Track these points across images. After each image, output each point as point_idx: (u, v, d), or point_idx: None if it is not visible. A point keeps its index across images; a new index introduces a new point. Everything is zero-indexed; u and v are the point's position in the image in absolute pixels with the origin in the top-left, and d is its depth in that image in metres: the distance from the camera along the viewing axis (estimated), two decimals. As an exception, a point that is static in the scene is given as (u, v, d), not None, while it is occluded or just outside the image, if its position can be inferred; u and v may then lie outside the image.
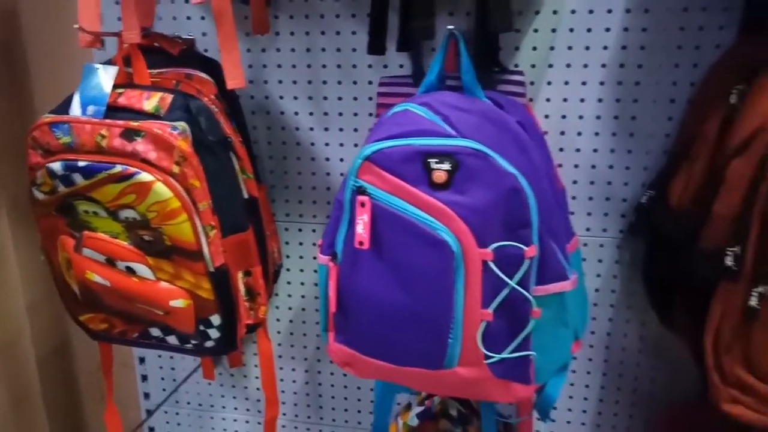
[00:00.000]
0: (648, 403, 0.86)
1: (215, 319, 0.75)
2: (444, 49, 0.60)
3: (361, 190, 0.58)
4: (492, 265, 0.57)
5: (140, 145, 0.66)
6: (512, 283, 0.57)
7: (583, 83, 0.76)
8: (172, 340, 0.79)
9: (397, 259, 0.59)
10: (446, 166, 0.55)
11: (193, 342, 0.78)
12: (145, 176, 0.67)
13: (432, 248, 0.57)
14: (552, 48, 0.76)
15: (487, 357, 0.60)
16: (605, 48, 0.75)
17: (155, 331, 0.79)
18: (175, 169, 0.67)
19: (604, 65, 0.75)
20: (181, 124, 0.68)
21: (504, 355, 0.60)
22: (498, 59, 0.73)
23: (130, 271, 0.73)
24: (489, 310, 0.58)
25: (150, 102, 0.69)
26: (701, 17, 0.72)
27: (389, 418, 0.78)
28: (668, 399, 0.84)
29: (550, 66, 0.77)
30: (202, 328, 0.76)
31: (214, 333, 0.76)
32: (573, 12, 0.74)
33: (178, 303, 0.74)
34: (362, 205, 0.58)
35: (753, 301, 0.54)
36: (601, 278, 0.83)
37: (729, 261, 0.55)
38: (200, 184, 0.68)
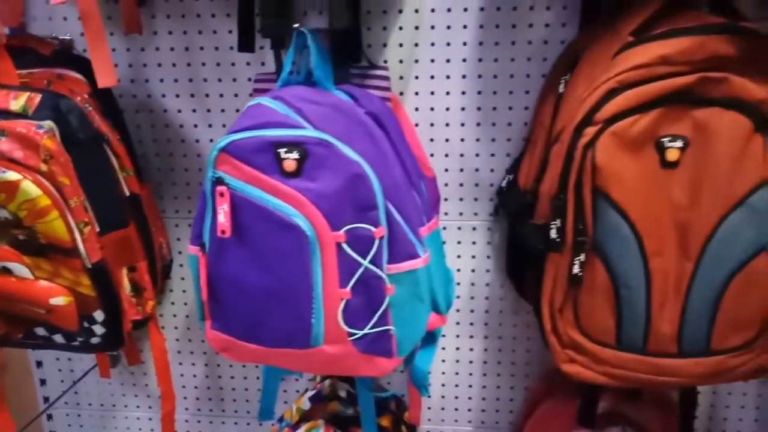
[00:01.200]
0: (526, 373, 0.92)
1: (98, 315, 0.76)
2: (295, 47, 0.64)
3: (219, 181, 0.61)
4: (345, 247, 0.61)
5: (5, 145, 0.67)
6: (365, 262, 0.62)
7: (447, 77, 0.82)
8: (58, 338, 0.79)
9: (258, 245, 0.62)
10: (295, 155, 0.59)
11: (79, 339, 0.79)
12: (12, 175, 0.67)
13: (288, 233, 0.61)
14: (416, 44, 0.81)
15: (350, 334, 0.64)
16: (464, 44, 0.80)
17: (41, 331, 0.79)
18: (43, 167, 0.68)
19: (464, 60, 0.81)
20: (48, 123, 0.68)
21: (365, 331, 0.64)
22: (361, 55, 0.77)
23: (7, 271, 0.73)
24: (347, 289, 0.62)
25: (17, 102, 0.70)
26: (547, 15, 0.78)
27: (275, 401, 0.81)
28: (542, 366, 0.91)
29: (416, 61, 0.82)
30: (86, 324, 0.77)
31: (98, 329, 0.77)
32: (433, 11, 0.79)
33: (59, 301, 0.75)
34: (221, 195, 0.61)
35: (576, 269, 0.61)
36: (476, 259, 0.88)
37: (553, 234, 0.61)
38: (70, 181, 0.69)
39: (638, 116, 0.57)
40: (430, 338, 0.75)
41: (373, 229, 0.61)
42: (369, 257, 0.61)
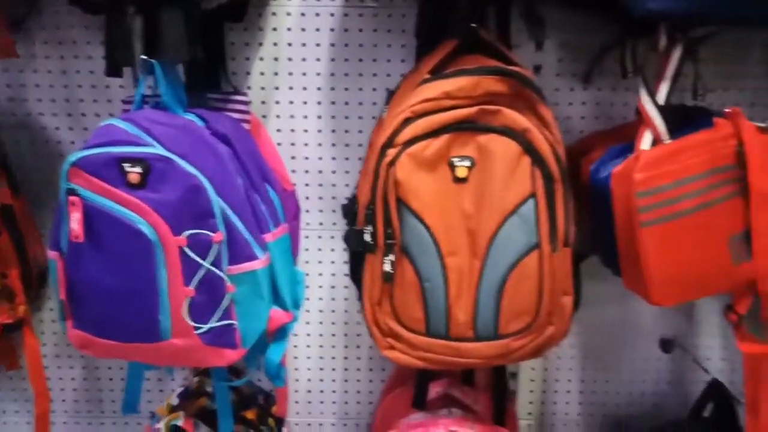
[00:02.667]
0: (382, 366, 1.03)
1: (-34, 318, 0.81)
2: (144, 75, 0.73)
3: (71, 192, 0.68)
4: (187, 250, 0.70)
5: None
6: (206, 264, 0.70)
7: (305, 102, 0.93)
8: (-73, 342, 0.83)
9: (109, 249, 0.70)
10: (138, 169, 0.67)
11: (-52, 342, 0.83)
12: None
13: (134, 238, 0.69)
14: (276, 73, 0.91)
15: (196, 328, 0.73)
16: (318, 74, 0.91)
17: None
18: None
19: (319, 88, 0.92)
20: None
21: (210, 325, 0.73)
22: (221, 82, 0.87)
23: None
24: (190, 287, 0.71)
25: None
26: (388, 52, 0.91)
27: (139, 395, 0.87)
28: (397, 362, 1.02)
29: (277, 88, 0.92)
30: (-46, 327, 0.81)
31: (-33, 332, 0.82)
32: (289, 44, 0.90)
33: (-74, 305, 0.79)
34: (74, 204, 0.69)
35: (387, 267, 0.72)
36: (335, 265, 0.99)
37: (367, 237, 0.72)
38: (-66, 192, 0.75)
39: (431, 140, 0.69)
40: (281, 333, 0.84)
41: (211, 234, 0.70)
42: (209, 259, 0.70)
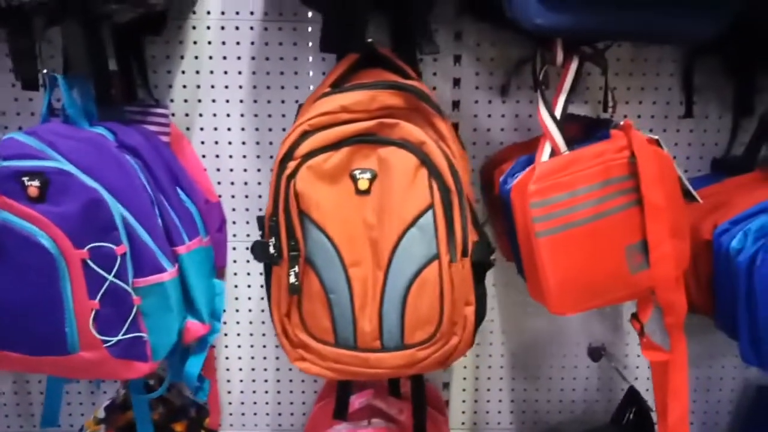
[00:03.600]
0: (314, 377, 1.03)
1: None
2: (50, 90, 0.74)
3: (-28, 205, 0.69)
4: (90, 263, 0.70)
5: None
6: (110, 276, 0.71)
7: (228, 115, 0.93)
8: None
9: (13, 261, 0.70)
10: (37, 183, 0.68)
11: None
12: None
13: (35, 252, 0.69)
14: (198, 86, 0.92)
15: (104, 341, 0.73)
16: (240, 87, 0.92)
17: None
18: None
19: (241, 101, 0.93)
20: None
21: (118, 338, 0.73)
22: (137, 96, 0.87)
23: None
24: (95, 300, 0.71)
25: None
26: (309, 66, 0.92)
27: (59, 408, 0.87)
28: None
29: (200, 101, 0.93)
30: None
31: None
32: (210, 57, 0.91)
33: None
34: (-25, 218, 0.69)
35: (292, 279, 0.72)
36: (264, 276, 0.99)
37: (272, 249, 0.72)
38: None
39: (331, 153, 0.69)
40: (201, 345, 0.85)
41: (114, 247, 0.70)
42: (113, 272, 0.71)
